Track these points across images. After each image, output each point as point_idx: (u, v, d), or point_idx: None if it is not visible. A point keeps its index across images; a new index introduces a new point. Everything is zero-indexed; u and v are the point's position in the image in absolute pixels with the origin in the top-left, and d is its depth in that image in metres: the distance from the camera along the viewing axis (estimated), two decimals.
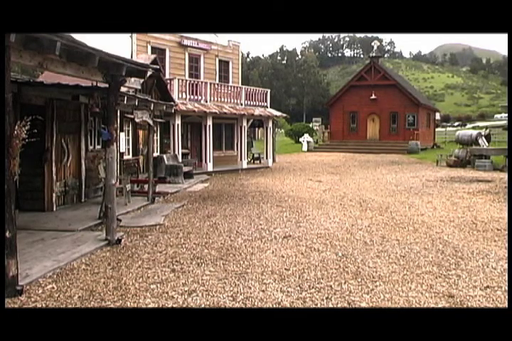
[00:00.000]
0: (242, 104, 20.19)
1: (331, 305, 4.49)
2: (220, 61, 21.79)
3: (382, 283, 5.19)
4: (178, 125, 16.98)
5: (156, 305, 4.45)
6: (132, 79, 8.37)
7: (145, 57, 14.84)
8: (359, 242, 7.14)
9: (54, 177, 9.53)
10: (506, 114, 67.75)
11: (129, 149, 13.68)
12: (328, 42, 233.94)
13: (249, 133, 27.99)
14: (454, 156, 22.16)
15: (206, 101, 18.49)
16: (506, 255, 6.35)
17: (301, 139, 36.07)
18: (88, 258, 6.11)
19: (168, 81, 16.96)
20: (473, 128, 52.12)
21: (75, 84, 8.28)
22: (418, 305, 4.49)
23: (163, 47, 19.18)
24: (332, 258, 6.20)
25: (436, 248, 6.81)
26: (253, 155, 23.93)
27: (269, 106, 21.90)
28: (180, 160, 16.56)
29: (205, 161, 18.62)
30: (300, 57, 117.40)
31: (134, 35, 17.66)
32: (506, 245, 6.91)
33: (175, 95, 16.85)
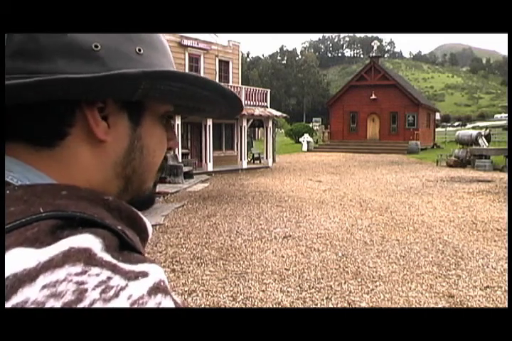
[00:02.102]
0: None
1: (331, 305, 4.49)
2: (220, 61, 21.79)
3: (382, 283, 5.19)
4: (178, 125, 16.99)
5: None
6: None
7: None
8: (359, 242, 7.14)
9: None
10: (506, 114, 67.84)
11: None
12: (328, 42, 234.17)
13: (249, 133, 28.00)
14: (454, 156, 22.16)
15: None
16: (506, 255, 6.35)
17: (301, 139, 36.07)
18: None
19: None
20: (473, 128, 52.16)
21: None
22: (418, 305, 4.49)
23: None
24: (332, 258, 6.20)
25: (436, 248, 6.81)
26: (253, 155, 23.94)
27: (269, 106, 21.90)
28: (180, 160, 16.57)
29: (205, 161, 18.62)
30: (300, 57, 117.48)
31: None
32: (506, 245, 6.91)
33: None
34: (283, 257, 6.25)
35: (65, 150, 0.52)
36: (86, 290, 0.37)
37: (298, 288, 5.00)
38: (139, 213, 0.54)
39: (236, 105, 0.63)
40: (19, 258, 0.38)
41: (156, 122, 0.59)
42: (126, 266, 0.41)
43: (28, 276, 0.36)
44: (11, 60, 0.53)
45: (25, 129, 0.52)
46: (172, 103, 0.61)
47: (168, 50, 0.63)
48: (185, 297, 4.68)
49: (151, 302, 0.40)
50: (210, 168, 18.43)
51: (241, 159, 20.47)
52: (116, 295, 0.38)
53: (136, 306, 0.39)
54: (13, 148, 0.53)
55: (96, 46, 0.53)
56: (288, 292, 4.87)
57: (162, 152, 0.62)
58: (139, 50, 0.56)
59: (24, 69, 0.51)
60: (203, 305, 4.46)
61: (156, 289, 0.41)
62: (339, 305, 4.49)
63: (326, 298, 4.68)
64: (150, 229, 0.56)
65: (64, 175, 0.52)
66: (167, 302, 0.42)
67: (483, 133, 27.03)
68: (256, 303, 4.53)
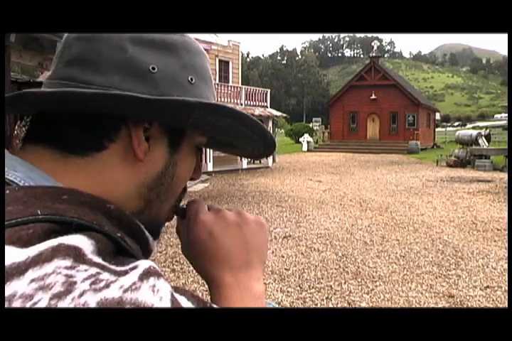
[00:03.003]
0: (242, 104, 20.19)
1: (331, 305, 4.49)
2: (220, 61, 21.79)
3: (382, 283, 5.19)
4: None
5: None
6: None
7: None
8: (359, 242, 7.15)
9: None
10: (506, 114, 67.91)
11: None
12: (328, 42, 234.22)
13: None
14: (454, 156, 22.15)
15: None
16: (506, 255, 6.35)
17: (301, 139, 36.04)
18: None
19: None
20: (473, 128, 52.17)
21: None
22: (418, 305, 4.49)
23: None
24: (332, 258, 6.20)
25: (436, 248, 6.81)
26: None
27: (269, 106, 21.90)
28: None
29: (205, 161, 18.62)
30: (300, 57, 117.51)
31: None
32: (506, 245, 6.92)
33: None
34: (283, 257, 6.25)
35: (97, 163, 0.52)
36: (75, 282, 0.37)
37: (298, 288, 5.00)
38: (142, 226, 0.53)
39: (270, 148, 0.64)
40: (9, 254, 0.37)
41: (190, 151, 0.60)
42: (117, 268, 0.40)
43: (17, 270, 0.36)
44: (67, 66, 0.53)
45: (62, 135, 0.52)
46: (213, 136, 0.61)
47: (212, 81, 0.64)
48: None
49: (145, 286, 0.39)
50: (210, 167, 18.44)
51: (241, 159, 20.45)
52: (107, 286, 0.38)
53: (129, 292, 0.38)
54: (36, 150, 0.53)
55: (153, 68, 0.53)
56: (288, 292, 4.87)
57: (186, 181, 0.62)
58: (191, 79, 0.57)
59: (78, 78, 0.52)
60: None
61: (147, 273, 0.40)
62: (339, 305, 4.49)
63: (326, 298, 4.68)
64: (153, 245, 0.55)
65: (83, 184, 0.50)
66: (161, 284, 0.41)
67: (483, 133, 27.03)
68: None
